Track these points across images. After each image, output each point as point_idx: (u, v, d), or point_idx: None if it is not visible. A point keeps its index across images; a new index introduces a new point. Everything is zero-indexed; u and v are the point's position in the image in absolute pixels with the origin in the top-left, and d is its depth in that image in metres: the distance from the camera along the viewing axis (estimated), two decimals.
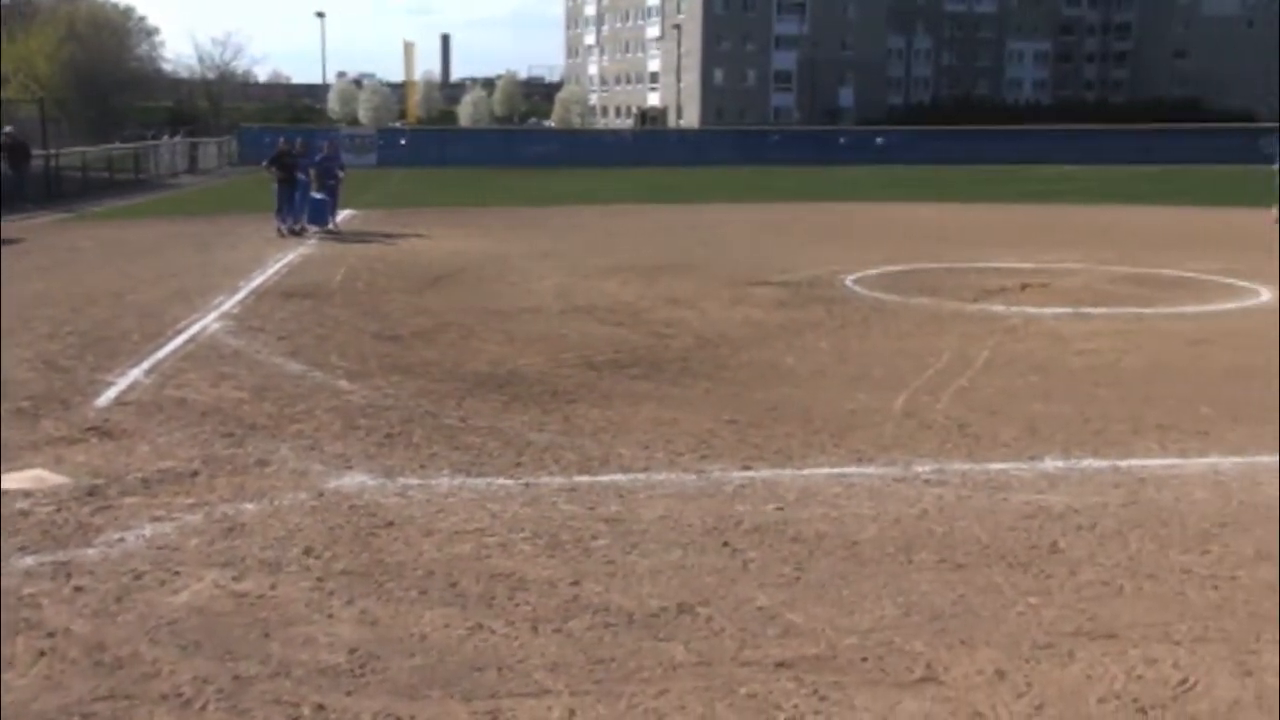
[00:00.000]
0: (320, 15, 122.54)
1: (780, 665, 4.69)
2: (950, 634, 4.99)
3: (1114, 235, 24.01)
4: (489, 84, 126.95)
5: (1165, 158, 53.81)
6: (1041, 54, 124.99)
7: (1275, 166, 27.01)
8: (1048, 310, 13.87)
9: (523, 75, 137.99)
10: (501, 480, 7.13)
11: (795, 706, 4.38)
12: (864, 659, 4.75)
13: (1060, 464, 7.50)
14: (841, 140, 63.71)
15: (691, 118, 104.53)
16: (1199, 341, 11.94)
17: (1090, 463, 7.51)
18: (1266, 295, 15.14)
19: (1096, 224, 26.96)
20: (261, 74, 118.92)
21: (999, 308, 14.06)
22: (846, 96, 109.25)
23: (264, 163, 25.70)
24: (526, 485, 7.02)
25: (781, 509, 6.59)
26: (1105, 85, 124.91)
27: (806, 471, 7.34)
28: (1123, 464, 7.47)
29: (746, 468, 7.39)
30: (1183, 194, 36.44)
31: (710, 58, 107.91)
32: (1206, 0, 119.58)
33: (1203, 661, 4.74)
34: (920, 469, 7.35)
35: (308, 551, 5.91)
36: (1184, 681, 4.57)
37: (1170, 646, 4.88)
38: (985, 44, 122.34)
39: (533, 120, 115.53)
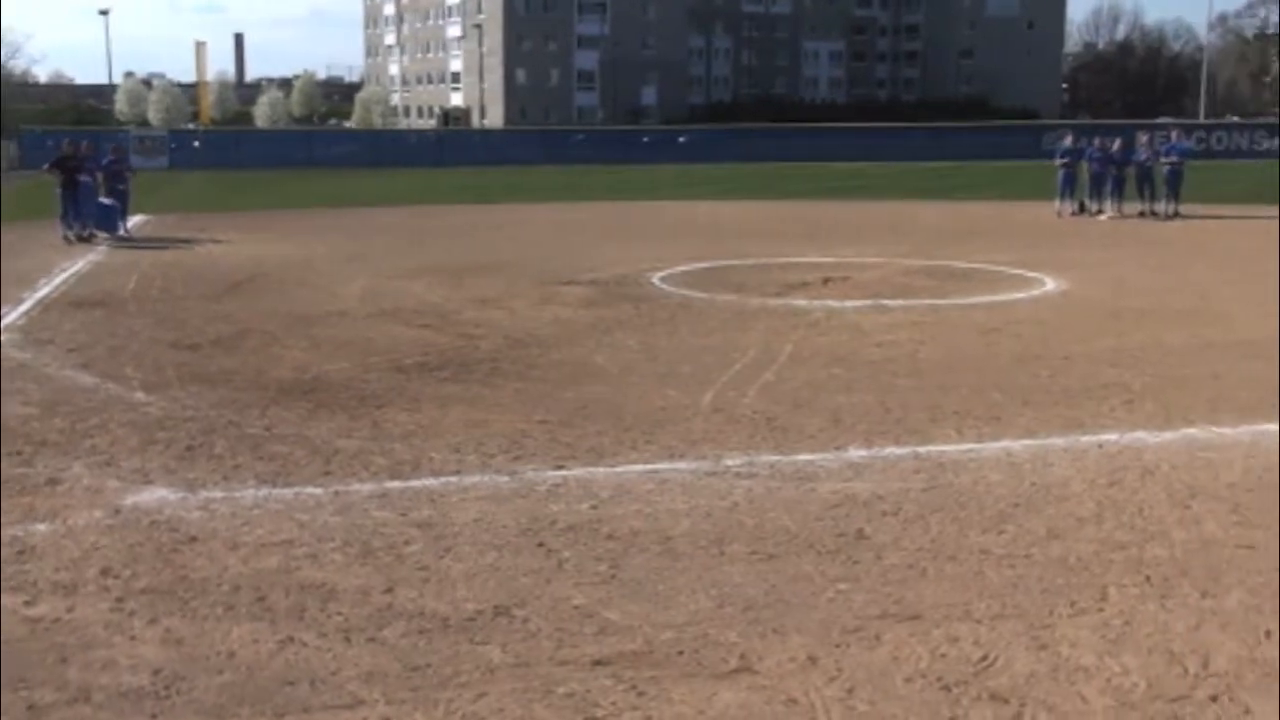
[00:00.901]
0: (104, 13, 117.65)
1: (598, 663, 4.71)
2: (763, 623, 5.09)
3: (909, 229, 24.82)
4: (286, 84, 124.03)
5: (954, 154, 55.79)
6: (836, 53, 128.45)
7: (1057, 161, 28.34)
8: (848, 303, 14.26)
9: (321, 75, 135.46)
10: (310, 489, 6.97)
11: (613, 703, 4.40)
12: (680, 652, 4.81)
13: (864, 453, 7.71)
14: (645, 139, 64.18)
15: (495, 117, 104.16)
16: (990, 330, 12.43)
17: (892, 450, 7.75)
18: (1051, 284, 15.87)
19: (892, 219, 27.84)
20: (42, 74, 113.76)
21: (802, 302, 14.39)
22: (649, 95, 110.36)
23: (45, 166, 24.56)
24: (336, 493, 6.88)
25: (595, 507, 6.61)
26: (897, 84, 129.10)
27: (619, 469, 7.39)
28: (923, 450, 7.73)
29: (559, 467, 7.40)
30: (971, 188, 37.90)
31: (512, 57, 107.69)
32: (990, 2, 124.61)
33: (1001, 638, 4.94)
34: (730, 462, 7.48)
35: (106, 571, 5.67)
36: (984, 658, 4.75)
37: (971, 625, 5.07)
38: (782, 44, 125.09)
39: (333, 121, 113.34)
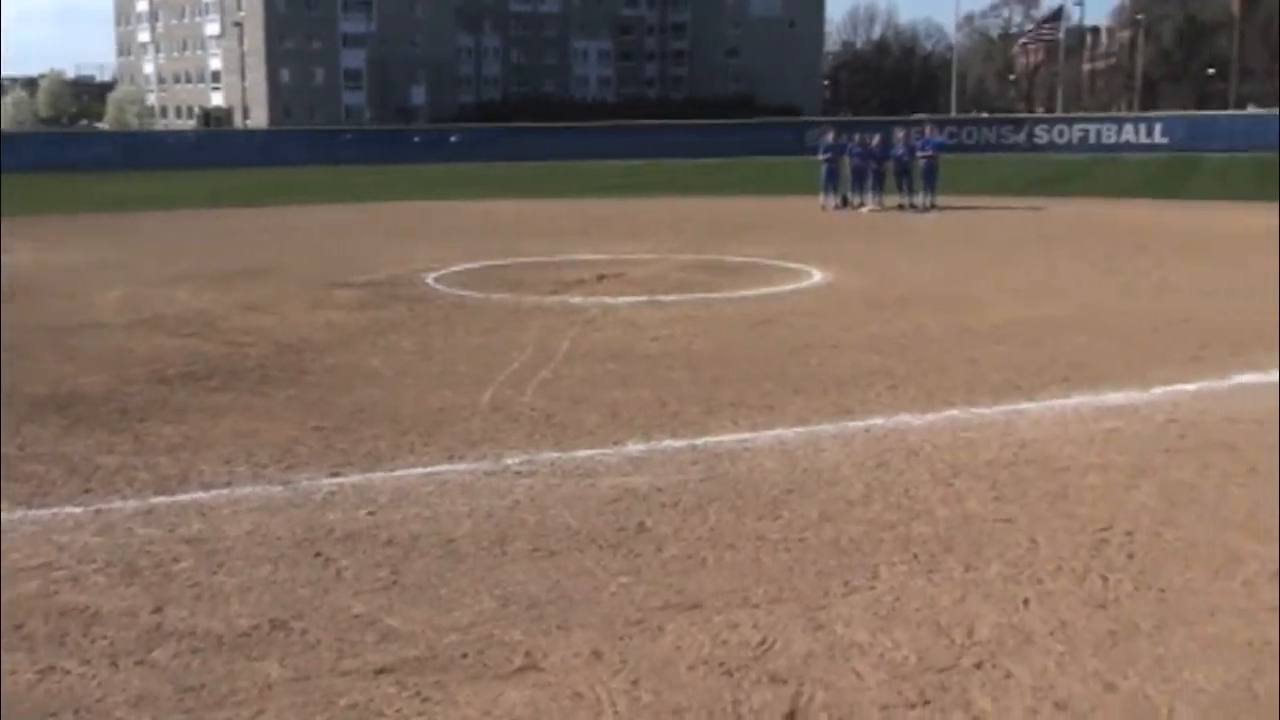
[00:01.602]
0: None
1: (380, 671, 4.62)
2: (547, 620, 5.09)
3: (681, 225, 25.23)
4: (31, 83, 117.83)
5: (723, 151, 56.98)
6: (605, 52, 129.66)
7: (820, 157, 29.23)
8: (623, 299, 14.39)
9: (70, 74, 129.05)
10: (69, 509, 6.63)
11: (398, 711, 4.33)
12: (464, 655, 4.76)
13: (642, 447, 7.80)
14: (416, 139, 63.49)
15: (259, 118, 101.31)
16: (762, 322, 12.74)
17: (670, 443, 7.86)
18: (818, 276, 16.37)
19: (664, 215, 28.23)
20: None
21: (577, 299, 14.46)
22: (418, 95, 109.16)
23: None
24: (97, 512, 6.57)
25: (374, 513, 6.50)
26: (666, 82, 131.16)
27: (398, 473, 7.27)
28: (699, 442, 7.86)
29: (335, 474, 7.24)
30: (740, 184, 38.80)
31: (275, 56, 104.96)
32: (753, 2, 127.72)
33: (779, 621, 5.06)
34: (510, 461, 7.45)
35: None
36: (763, 641, 4.87)
37: (750, 610, 5.18)
38: (551, 42, 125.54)
39: (84, 122, 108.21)
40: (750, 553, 5.88)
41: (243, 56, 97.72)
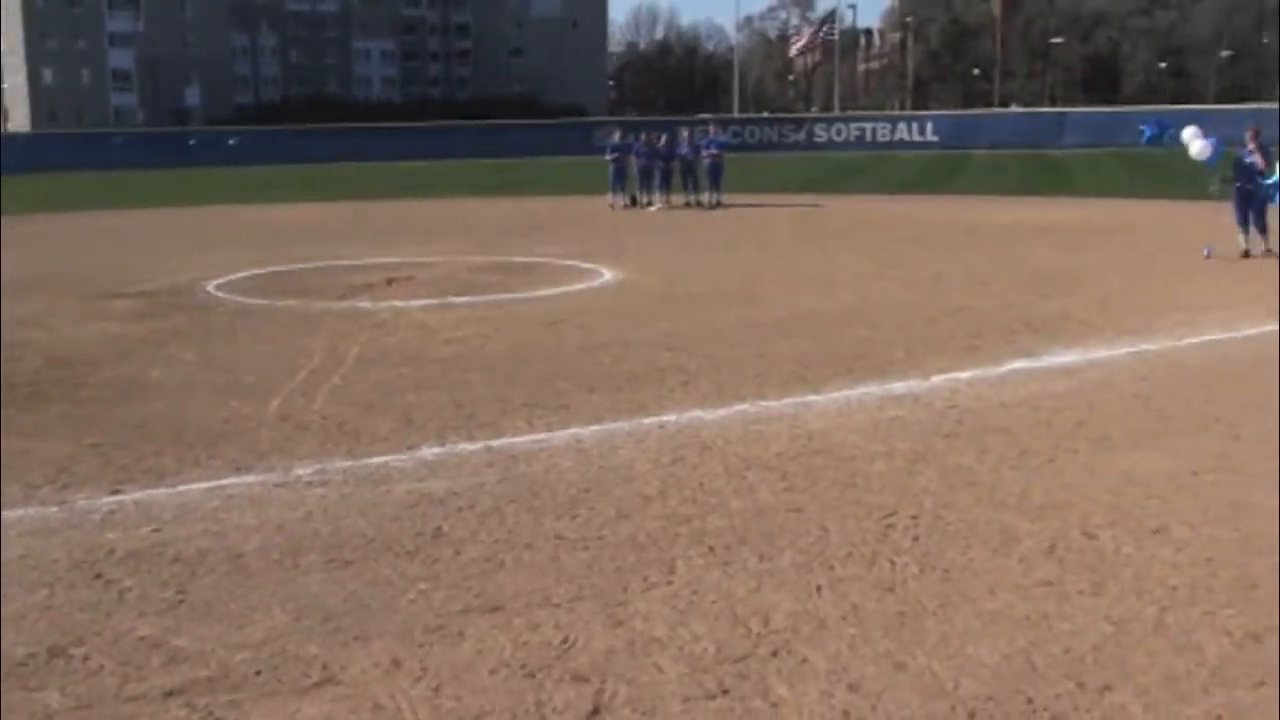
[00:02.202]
0: None
1: (169, 694, 4.45)
2: (344, 632, 4.98)
3: (471, 226, 25.07)
4: None
5: (510, 151, 56.90)
6: (387, 52, 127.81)
7: (608, 157, 29.39)
8: (414, 302, 14.21)
9: None
10: None
11: None
12: (258, 672, 4.63)
13: (438, 450, 7.72)
14: (191, 141, 61.39)
15: (21, 120, 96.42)
16: (554, 322, 12.75)
17: (465, 446, 7.80)
18: (609, 275, 16.48)
19: (453, 216, 28.01)
20: None
21: (367, 304, 14.22)
22: (193, 96, 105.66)
23: None
24: None
25: (158, 530, 6.25)
26: (451, 83, 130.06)
27: (182, 488, 7.02)
28: (495, 444, 7.83)
29: (115, 492, 6.94)
30: (528, 184, 38.77)
31: (36, 56, 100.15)
32: (535, 2, 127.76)
33: (580, 619, 5.08)
34: (301, 471, 7.27)
35: None
36: (565, 640, 4.87)
37: (551, 610, 5.18)
38: (331, 42, 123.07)
39: None
40: (549, 552, 5.88)
41: (0, 56, 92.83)
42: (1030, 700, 4.37)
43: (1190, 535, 6.03)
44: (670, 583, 5.49)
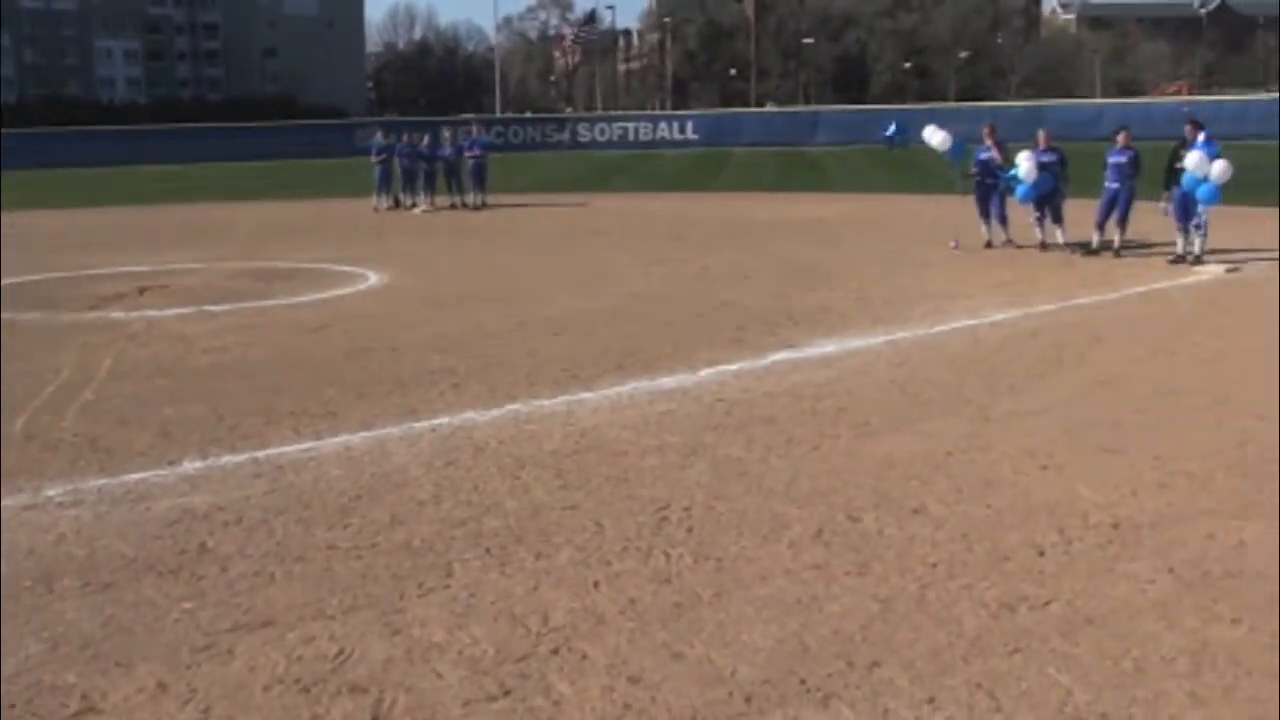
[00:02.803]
0: None
1: None
2: (104, 658, 4.75)
3: (227, 232, 24.26)
4: None
5: (266, 153, 55.29)
6: (131, 52, 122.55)
7: (373, 158, 28.83)
8: (170, 312, 13.66)
9: None
10: None
11: None
12: (12, 706, 4.37)
13: (200, 464, 7.44)
14: None
15: None
16: (319, 328, 12.46)
17: (229, 459, 7.54)
18: (375, 278, 16.21)
19: (208, 222, 27.06)
20: None
21: (119, 314, 13.60)
22: None
23: None
24: None
25: None
26: (201, 83, 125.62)
27: None
28: (261, 455, 7.59)
29: None
30: (288, 188, 37.76)
31: None
32: (288, 1, 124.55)
33: (355, 630, 4.98)
34: (51, 492, 6.90)
35: None
36: (340, 652, 4.77)
37: (325, 622, 5.06)
38: (71, 41, 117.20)
39: None
40: (321, 563, 5.74)
41: None
42: (804, 681, 4.49)
43: (947, 513, 6.32)
44: (448, 586, 5.44)
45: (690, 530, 6.14)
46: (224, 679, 4.57)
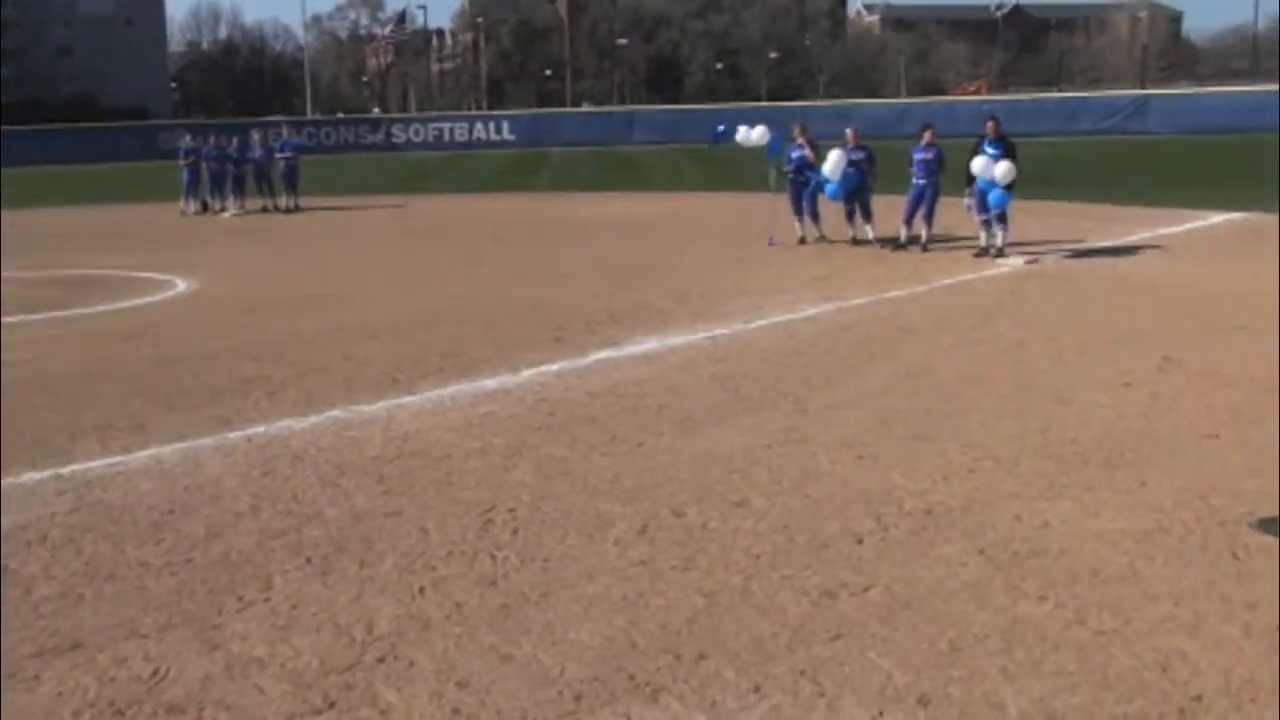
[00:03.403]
0: None
1: None
2: None
3: (25, 239, 23.17)
4: None
5: (65, 157, 53.09)
6: None
7: (181, 161, 27.94)
8: None
9: None
10: None
11: None
12: None
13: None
14: None
15: None
16: (127, 337, 12.02)
17: (31, 476, 7.21)
18: (184, 285, 15.71)
19: (5, 228, 25.80)
20: None
21: None
22: None
23: None
24: None
25: None
26: None
27: None
28: (65, 471, 7.28)
29: None
30: (88, 193, 36.27)
31: None
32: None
33: (171, 648, 4.81)
34: None
35: None
36: (156, 672, 4.61)
37: (139, 641, 4.88)
38: None
39: None
40: (133, 581, 5.54)
41: None
42: (632, 677, 4.52)
43: (768, 505, 6.43)
44: (268, 599, 5.31)
45: (515, 531, 6.11)
46: (29, 706, 4.37)
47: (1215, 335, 10.67)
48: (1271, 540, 5.74)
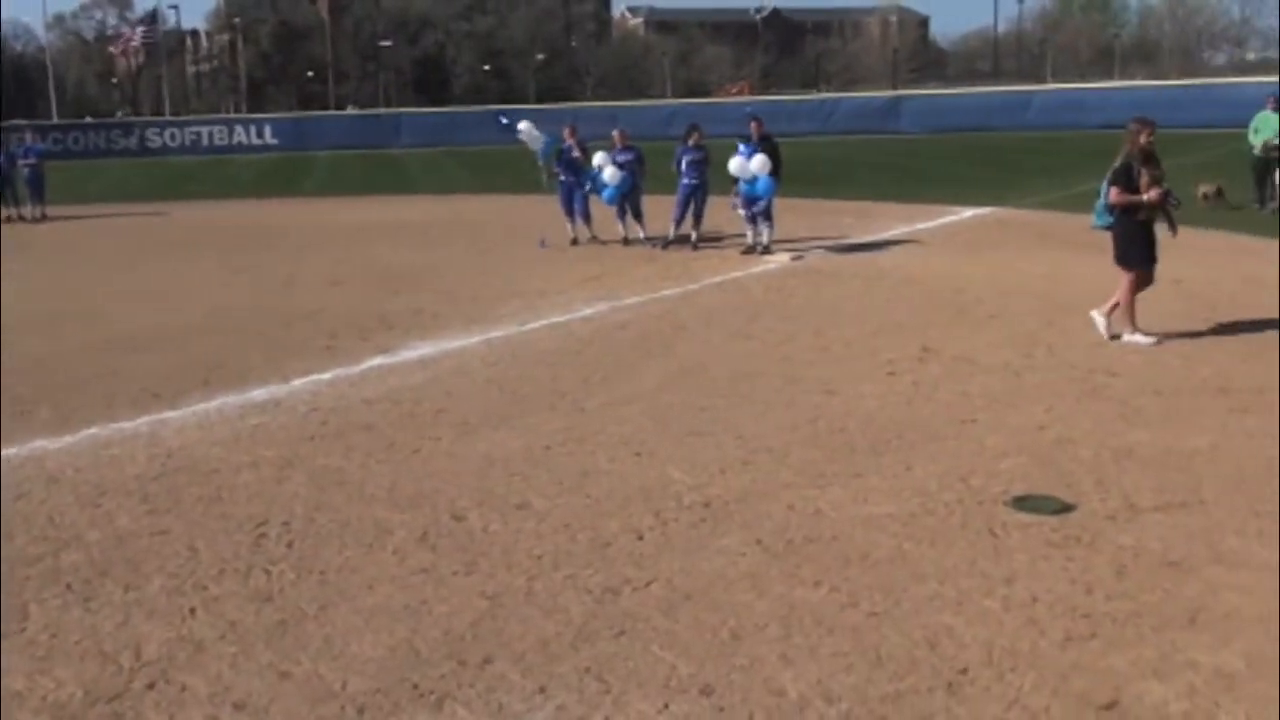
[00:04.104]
0: None
1: None
2: None
3: None
4: None
5: None
6: None
7: None
8: None
9: None
10: None
11: None
12: None
13: None
14: None
15: None
16: None
17: None
18: None
19: None
20: None
21: None
22: None
23: None
24: None
25: None
26: None
27: None
28: None
29: None
30: None
31: None
32: None
33: None
34: None
35: None
36: None
37: None
38: None
39: None
40: None
41: None
42: (416, 686, 4.46)
43: (549, 506, 6.44)
44: (24, 630, 5.02)
45: (290, 545, 5.95)
46: None
47: (969, 324, 11.20)
48: (1026, 517, 6.05)
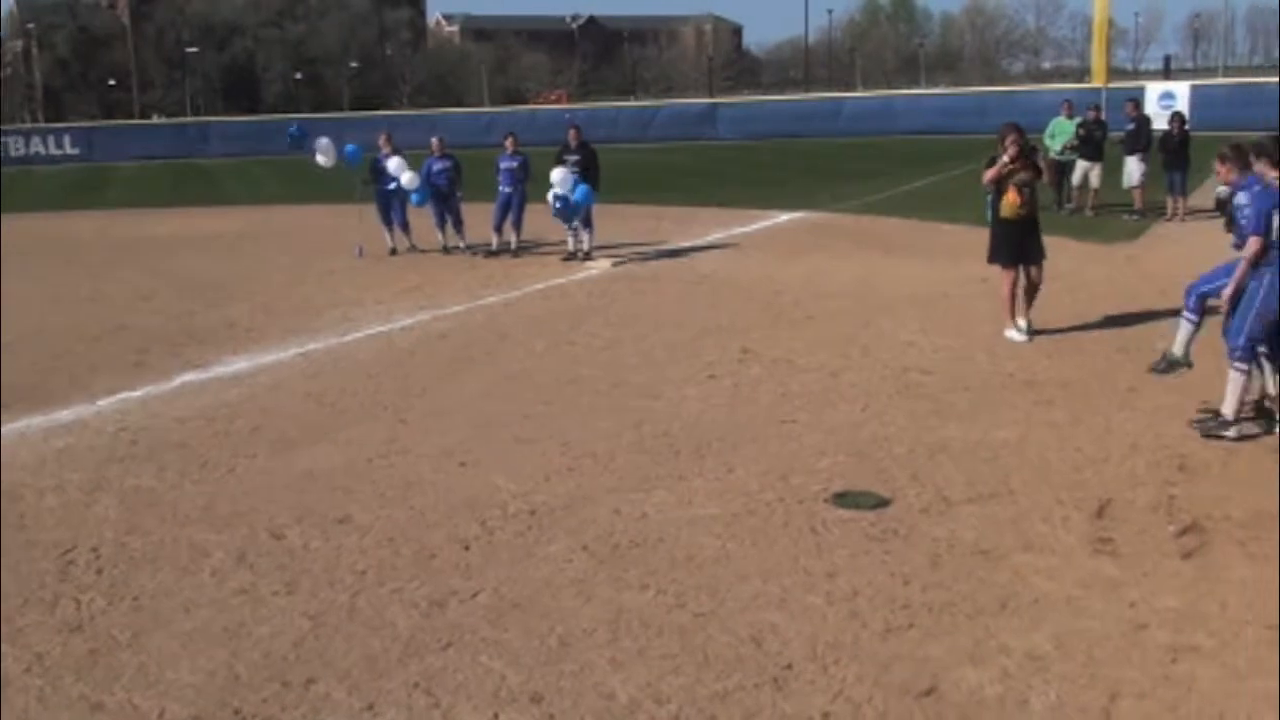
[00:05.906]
0: None
1: None
2: None
3: None
4: None
5: None
6: None
7: None
8: None
9: None
10: None
11: None
12: None
13: None
14: None
15: None
16: None
17: None
18: None
19: None
20: None
21: None
22: None
23: None
24: None
25: None
26: None
27: None
28: None
29: None
30: None
31: None
32: None
33: None
34: None
35: None
36: None
37: None
38: None
39: None
40: None
41: None
42: (238, 710, 4.34)
43: (372, 519, 6.34)
44: None
45: (100, 571, 5.73)
46: None
47: (788, 326, 11.42)
48: (845, 513, 6.20)
